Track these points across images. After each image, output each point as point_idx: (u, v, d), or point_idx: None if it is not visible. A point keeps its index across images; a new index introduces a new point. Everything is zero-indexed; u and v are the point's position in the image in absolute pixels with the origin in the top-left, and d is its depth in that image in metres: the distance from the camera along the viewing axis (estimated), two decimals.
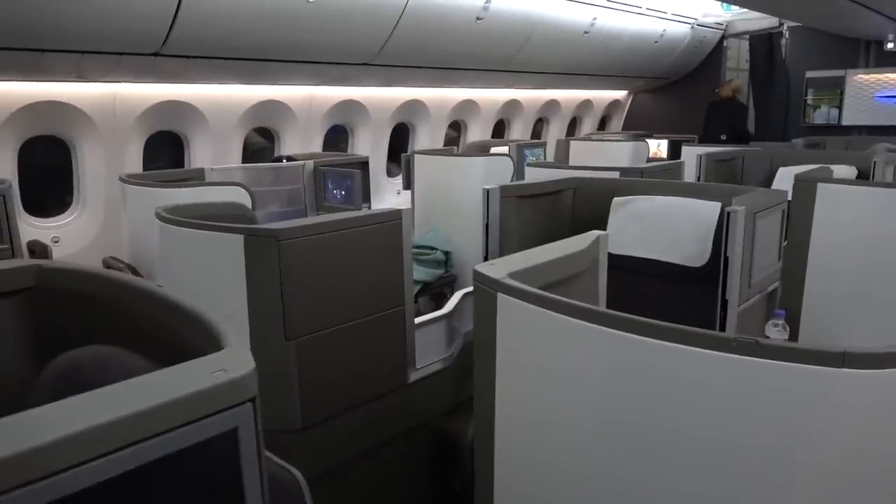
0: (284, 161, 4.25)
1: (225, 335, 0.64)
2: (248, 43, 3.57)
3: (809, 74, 7.29)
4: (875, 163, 3.27)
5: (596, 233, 1.52)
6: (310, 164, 3.95)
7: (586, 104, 7.60)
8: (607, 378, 0.98)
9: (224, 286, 1.77)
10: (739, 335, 0.84)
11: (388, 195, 5.59)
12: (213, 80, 3.87)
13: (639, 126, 8.12)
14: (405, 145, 5.84)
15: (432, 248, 4.04)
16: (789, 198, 2.60)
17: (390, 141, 5.64)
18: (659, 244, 2.40)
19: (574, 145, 6.22)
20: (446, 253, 4.05)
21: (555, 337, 1.04)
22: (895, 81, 6.94)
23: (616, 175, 3.21)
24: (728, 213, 1.88)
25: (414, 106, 5.50)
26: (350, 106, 4.99)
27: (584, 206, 2.72)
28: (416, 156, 4.61)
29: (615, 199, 2.54)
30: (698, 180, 3.86)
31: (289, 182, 4.08)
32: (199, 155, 4.26)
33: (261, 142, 5.10)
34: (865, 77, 7.09)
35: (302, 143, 4.77)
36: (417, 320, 2.04)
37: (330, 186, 3.88)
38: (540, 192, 2.60)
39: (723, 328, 1.95)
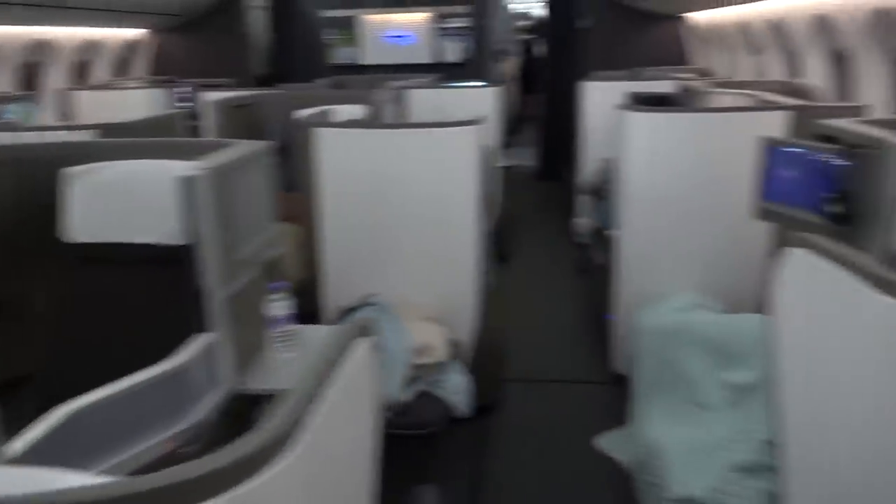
0: None
1: None
2: None
3: (325, 13, 7.44)
4: (376, 103, 3.34)
5: None
6: None
7: (93, 46, 6.35)
8: None
9: None
10: None
11: None
12: None
13: (175, 71, 7.22)
14: None
15: None
16: None
17: None
18: (133, 222, 1.89)
19: (83, 97, 5.19)
20: None
21: None
22: (400, 22, 7.62)
23: (94, 134, 2.53)
24: (183, 182, 1.47)
25: None
26: None
27: (31, 186, 1.99)
28: None
29: (66, 171, 1.91)
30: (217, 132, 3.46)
31: None
32: None
33: None
34: (376, 18, 7.60)
35: None
36: None
37: None
38: None
39: (200, 323, 1.57)
